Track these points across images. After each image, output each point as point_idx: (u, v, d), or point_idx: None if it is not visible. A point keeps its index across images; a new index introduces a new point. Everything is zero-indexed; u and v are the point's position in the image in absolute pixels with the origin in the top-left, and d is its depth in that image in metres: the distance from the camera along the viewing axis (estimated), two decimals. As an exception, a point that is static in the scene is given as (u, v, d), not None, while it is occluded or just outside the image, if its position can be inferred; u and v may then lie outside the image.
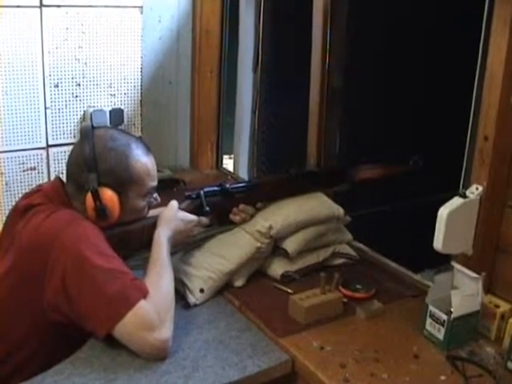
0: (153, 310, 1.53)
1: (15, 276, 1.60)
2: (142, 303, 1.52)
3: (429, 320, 1.68)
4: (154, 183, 1.80)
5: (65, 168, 1.78)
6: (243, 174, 3.19)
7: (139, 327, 1.51)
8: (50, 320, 1.57)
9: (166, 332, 1.55)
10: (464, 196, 1.72)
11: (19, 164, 2.59)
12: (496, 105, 1.67)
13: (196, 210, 1.91)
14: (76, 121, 2.69)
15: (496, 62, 1.66)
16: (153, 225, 1.80)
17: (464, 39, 2.31)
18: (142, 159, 1.75)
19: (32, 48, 2.50)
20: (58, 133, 2.66)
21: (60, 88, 2.63)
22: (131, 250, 1.78)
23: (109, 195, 1.68)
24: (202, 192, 1.94)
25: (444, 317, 1.63)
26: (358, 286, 1.91)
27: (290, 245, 1.99)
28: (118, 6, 2.67)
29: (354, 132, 2.76)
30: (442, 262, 1.83)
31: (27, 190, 1.85)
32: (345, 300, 1.84)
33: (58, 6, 2.52)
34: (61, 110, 2.65)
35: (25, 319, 1.60)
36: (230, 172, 3.28)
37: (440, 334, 1.64)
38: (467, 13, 2.34)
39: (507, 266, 1.76)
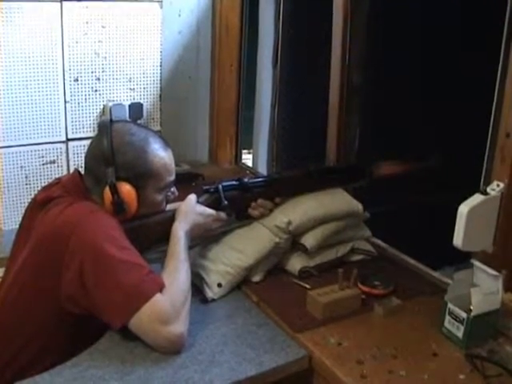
0: (168, 304, 1.53)
1: (32, 266, 1.61)
2: (158, 296, 1.52)
3: (448, 318, 1.66)
4: (172, 177, 1.80)
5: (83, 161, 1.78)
6: (262, 169, 3.18)
7: (154, 320, 1.51)
8: (65, 312, 1.58)
9: (180, 326, 1.55)
10: (485, 193, 1.70)
11: (39, 157, 2.60)
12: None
13: (214, 204, 1.91)
14: (95, 115, 2.70)
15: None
16: (171, 218, 1.80)
17: (487, 35, 2.28)
18: (160, 153, 1.75)
19: (52, 42, 2.51)
20: (78, 127, 2.67)
21: (80, 82, 2.63)
22: (149, 244, 1.78)
23: (126, 189, 1.68)
24: (220, 186, 1.94)
25: (463, 315, 1.61)
26: (377, 283, 1.89)
27: (309, 240, 1.98)
28: (138, 0, 2.68)
29: (373, 128, 2.74)
30: (461, 259, 1.81)
31: (46, 184, 1.86)
32: (363, 296, 1.83)
33: (78, 0, 2.53)
34: (80, 104, 2.66)
35: (39, 312, 1.60)
36: (249, 167, 3.28)
37: (459, 332, 1.62)
38: (492, 10, 2.31)
39: (528, 263, 1.74)
